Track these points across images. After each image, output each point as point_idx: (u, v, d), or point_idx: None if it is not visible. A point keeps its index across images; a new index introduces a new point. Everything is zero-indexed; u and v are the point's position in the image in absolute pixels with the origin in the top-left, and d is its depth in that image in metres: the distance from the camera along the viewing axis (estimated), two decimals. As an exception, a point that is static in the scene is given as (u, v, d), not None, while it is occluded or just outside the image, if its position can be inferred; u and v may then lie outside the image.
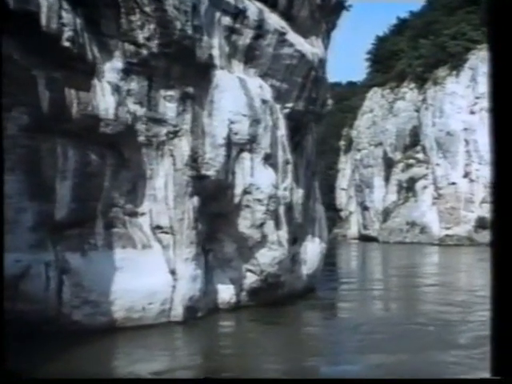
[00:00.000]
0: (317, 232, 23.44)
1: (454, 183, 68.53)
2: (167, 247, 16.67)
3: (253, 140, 17.89)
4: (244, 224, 18.44)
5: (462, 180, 67.94)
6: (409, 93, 77.39)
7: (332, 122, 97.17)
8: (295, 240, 22.13)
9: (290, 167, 19.76)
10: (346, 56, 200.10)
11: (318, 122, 31.95)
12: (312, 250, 23.13)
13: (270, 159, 18.42)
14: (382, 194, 78.25)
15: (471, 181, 67.05)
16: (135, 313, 15.87)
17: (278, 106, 19.76)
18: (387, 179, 77.77)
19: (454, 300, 23.23)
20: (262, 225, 18.48)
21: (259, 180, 18.10)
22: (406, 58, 79.05)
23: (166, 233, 16.70)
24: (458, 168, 68.30)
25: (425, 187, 71.93)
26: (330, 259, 46.19)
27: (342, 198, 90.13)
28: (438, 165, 70.46)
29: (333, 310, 22.93)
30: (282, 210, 19.39)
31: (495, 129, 4.62)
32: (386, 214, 75.50)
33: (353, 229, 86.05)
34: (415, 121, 75.39)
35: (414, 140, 74.94)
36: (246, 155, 17.84)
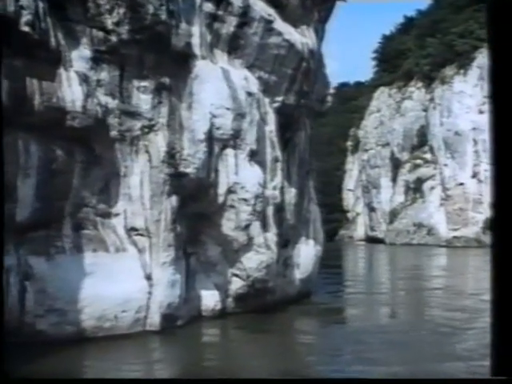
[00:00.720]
0: (311, 234, 22.07)
1: (462, 184, 66.99)
2: (143, 250, 15.37)
3: (237, 135, 16.55)
4: (228, 225, 17.13)
5: (471, 180, 66.36)
6: (416, 92, 75.88)
7: (339, 122, 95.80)
8: (287, 242, 20.81)
9: (279, 165, 18.41)
10: (353, 55, 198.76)
11: (313, 118, 30.70)
12: (306, 253, 21.78)
13: (256, 156, 17.07)
14: (389, 195, 76.80)
15: (480, 181, 65.42)
16: (106, 322, 14.59)
17: (266, 100, 18.43)
18: (394, 180, 76.33)
19: (460, 305, 21.97)
20: (247, 226, 17.15)
21: (244, 178, 16.77)
22: (413, 57, 77.50)
23: (142, 235, 15.40)
24: (467, 168, 66.72)
25: (432, 188, 70.43)
26: (334, 261, 44.94)
27: (349, 199, 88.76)
28: (445, 165, 68.95)
29: (329, 316, 21.55)
30: (270, 210, 18.06)
31: (495, 129, 4.55)
32: (393, 215, 74.02)
33: (359, 230, 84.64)
34: (423, 120, 73.88)
35: (421, 140, 73.45)
36: (229, 152, 16.51)
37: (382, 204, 77.91)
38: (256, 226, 17.25)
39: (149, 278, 15.29)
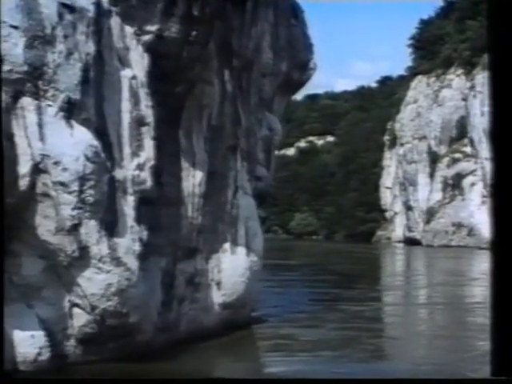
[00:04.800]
0: (241, 239, 14.80)
1: (506, 179, 58.53)
2: None
3: (38, 75, 9.45)
4: (46, 226, 10.11)
5: (516, 176, 57.75)
6: (455, 80, 67.26)
7: (381, 117, 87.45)
8: (193, 252, 13.70)
9: (148, 131, 11.26)
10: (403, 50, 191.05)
11: (292, 90, 23.99)
12: (233, 265, 14.58)
13: (80, 112, 9.93)
14: (426, 193, 68.45)
15: (526, 176, 56.77)
16: None
17: (128, 30, 11.33)
18: (432, 176, 67.96)
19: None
20: (75, 228, 10.09)
21: (58, 148, 9.68)
22: (451, 42, 68.78)
23: None
24: (511, 162, 58.18)
25: (473, 184, 62.21)
26: (351, 266, 37.56)
27: (386, 197, 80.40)
28: (487, 159, 60.42)
29: (267, 355, 14.43)
30: (130, 202, 10.97)
31: (495, 129, 4.48)
32: (431, 214, 65.78)
33: (398, 231, 76.38)
34: (462, 111, 65.44)
35: (460, 132, 65.10)
36: (27, 102, 9.44)
37: (419, 202, 69.61)
38: (91, 228, 10.17)
39: None
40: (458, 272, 36.23)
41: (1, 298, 6.29)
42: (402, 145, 73.72)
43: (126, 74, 11.08)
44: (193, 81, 12.72)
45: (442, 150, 67.42)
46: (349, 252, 53.48)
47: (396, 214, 77.13)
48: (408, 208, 72.11)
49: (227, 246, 14.60)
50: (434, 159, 67.88)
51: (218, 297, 14.44)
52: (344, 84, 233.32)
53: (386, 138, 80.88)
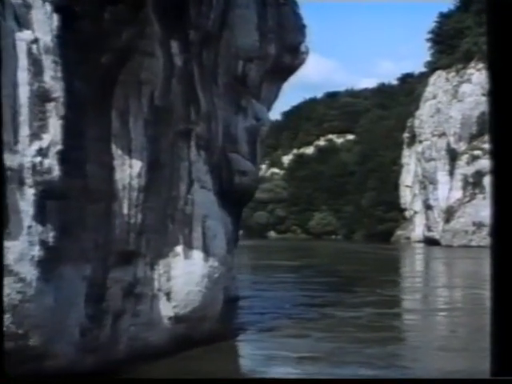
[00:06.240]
0: (197, 241, 12.40)
1: (528, 177, 55.17)
2: None
3: None
4: None
5: (539, 173, 54.38)
6: (476, 74, 63.99)
7: (402, 114, 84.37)
8: (132, 256, 11.35)
9: (55, 107, 8.96)
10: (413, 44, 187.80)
11: (281, 75, 21.89)
12: (186, 272, 12.20)
13: None
14: (446, 191, 65.27)
15: (550, 174, 53.40)
16: None
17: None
18: (452, 174, 64.75)
19: None
20: None
21: None
22: (471, 35, 65.53)
23: None
24: (534, 159, 54.80)
25: (494, 182, 58.75)
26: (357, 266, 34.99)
27: (406, 196, 77.35)
28: (508, 156, 57.22)
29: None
30: (26, 196, 8.67)
31: (495, 125, 4.42)
32: (450, 213, 62.59)
33: (417, 230, 73.28)
34: (483, 106, 62.05)
35: (481, 128, 61.71)
36: None
37: (438, 201, 66.50)
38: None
39: None
40: (477, 274, 33.32)
41: (0, 298, 6.08)
42: (420, 142, 70.63)
43: (23, 36, 8.77)
44: (124, 50, 10.36)
45: (461, 146, 64.28)
46: (364, 252, 50.97)
47: (416, 213, 74.11)
48: (427, 207, 69.05)
49: (179, 249, 12.22)
50: (453, 156, 64.77)
51: (167, 309, 12.07)
52: (367, 83, 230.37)
53: (406, 135, 77.78)
